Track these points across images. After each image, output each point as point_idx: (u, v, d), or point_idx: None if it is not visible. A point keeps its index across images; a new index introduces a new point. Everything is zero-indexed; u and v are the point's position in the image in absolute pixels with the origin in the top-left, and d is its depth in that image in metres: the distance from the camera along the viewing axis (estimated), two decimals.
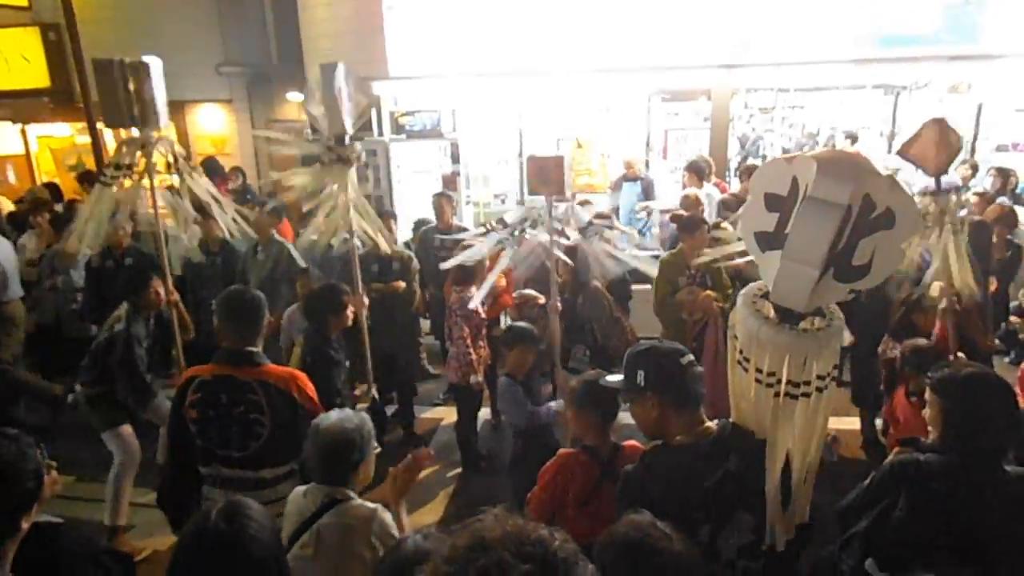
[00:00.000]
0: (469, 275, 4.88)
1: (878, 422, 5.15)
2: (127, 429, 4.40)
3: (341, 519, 2.35)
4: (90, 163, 9.44)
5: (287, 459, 2.92)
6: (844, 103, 9.84)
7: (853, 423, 5.40)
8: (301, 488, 2.50)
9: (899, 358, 3.97)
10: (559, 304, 4.35)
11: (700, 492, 1.93)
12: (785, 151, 9.64)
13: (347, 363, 4.39)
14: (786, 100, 10.36)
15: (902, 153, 3.57)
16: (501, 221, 4.28)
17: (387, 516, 2.38)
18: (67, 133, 12.90)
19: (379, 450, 2.55)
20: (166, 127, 4.17)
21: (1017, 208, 6.56)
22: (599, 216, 4.97)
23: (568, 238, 4.19)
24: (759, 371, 1.91)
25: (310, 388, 2.96)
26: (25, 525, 1.66)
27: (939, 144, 3.36)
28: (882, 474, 2.63)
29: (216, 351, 2.98)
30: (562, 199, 4.11)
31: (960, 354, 3.71)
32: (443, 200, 6.44)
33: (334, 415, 2.48)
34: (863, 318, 4.86)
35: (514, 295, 5.06)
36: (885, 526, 2.61)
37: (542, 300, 4.73)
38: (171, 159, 4.21)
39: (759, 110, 10.56)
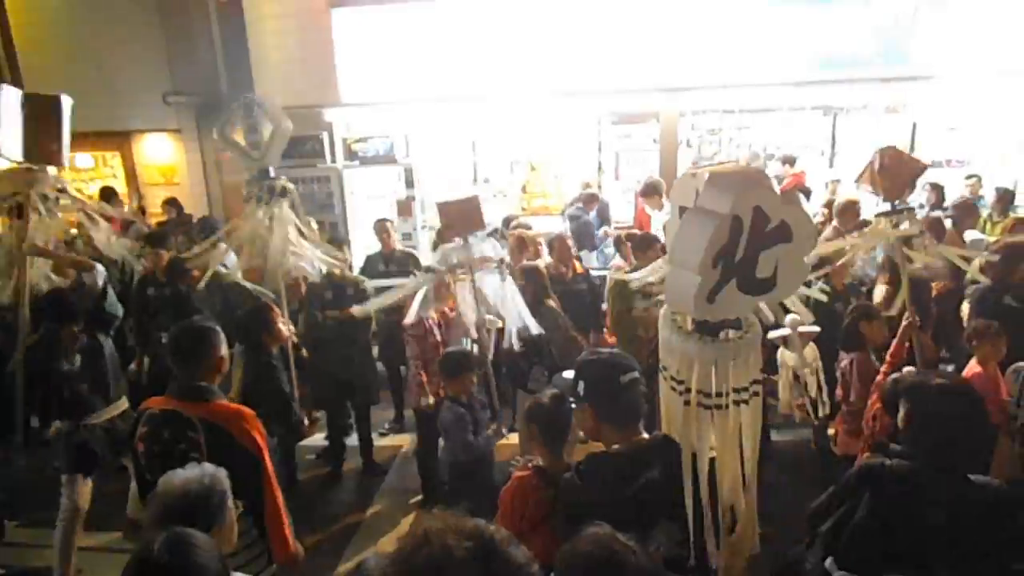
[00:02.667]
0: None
1: (831, 431, 5.28)
2: (85, 482, 4.22)
3: None
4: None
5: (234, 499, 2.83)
6: (786, 124, 10.18)
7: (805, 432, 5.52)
8: None
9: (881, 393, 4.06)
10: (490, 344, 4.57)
11: (624, 499, 1.95)
12: None
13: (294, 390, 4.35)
14: (733, 122, 10.69)
15: (859, 181, 3.76)
16: (428, 269, 4.50)
17: None
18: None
19: (240, 509, 2.35)
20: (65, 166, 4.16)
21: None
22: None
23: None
24: (673, 379, 1.96)
25: (256, 429, 2.85)
26: None
27: (895, 170, 3.53)
28: (849, 477, 2.69)
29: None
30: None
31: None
32: (384, 225, 6.52)
33: (179, 475, 2.19)
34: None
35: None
36: (846, 526, 2.66)
37: (500, 324, 4.76)
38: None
39: (707, 132, 10.87)
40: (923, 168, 3.64)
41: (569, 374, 2.38)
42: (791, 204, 1.77)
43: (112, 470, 4.40)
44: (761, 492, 4.49)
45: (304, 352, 5.24)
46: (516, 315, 4.55)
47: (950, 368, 5.74)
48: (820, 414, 4.38)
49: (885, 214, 3.68)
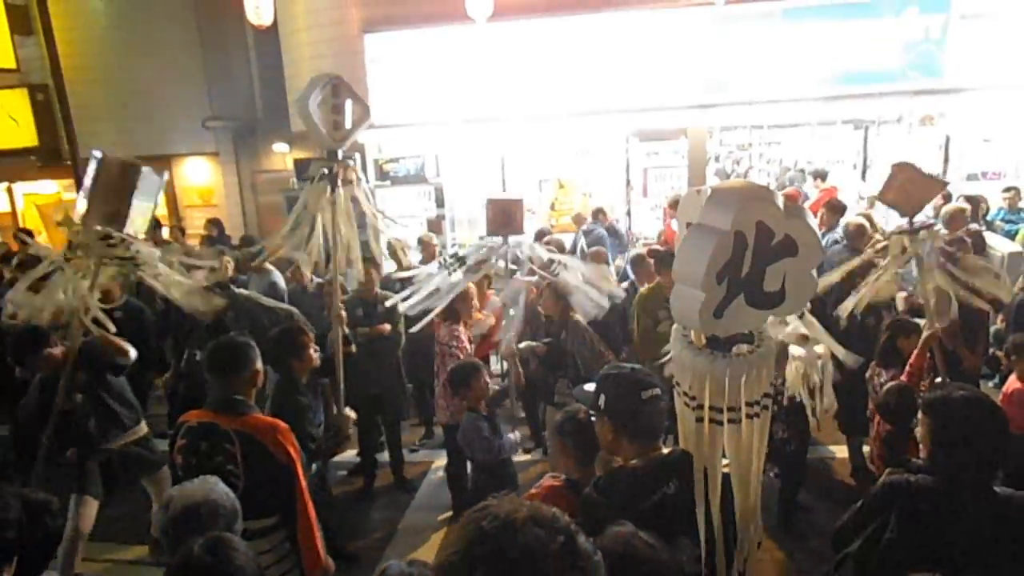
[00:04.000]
0: (454, 311, 4.95)
1: (865, 448, 5.20)
2: (91, 502, 4.18)
3: None
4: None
5: (268, 512, 2.89)
6: (816, 138, 10.11)
7: (842, 451, 5.43)
8: None
9: (878, 403, 4.02)
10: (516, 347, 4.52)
11: (641, 513, 1.95)
12: None
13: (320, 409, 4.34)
14: (761, 137, 10.65)
15: (880, 199, 3.73)
16: (457, 258, 4.39)
17: None
18: (54, 190, 12.99)
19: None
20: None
21: (987, 234, 6.72)
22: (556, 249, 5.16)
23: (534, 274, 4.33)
24: (686, 395, 1.96)
25: (290, 442, 2.91)
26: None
27: (911, 187, 3.51)
28: (873, 495, 2.65)
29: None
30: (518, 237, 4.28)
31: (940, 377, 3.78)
32: (397, 243, 6.47)
33: (195, 483, 2.25)
34: (842, 342, 4.93)
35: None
36: (876, 547, 2.62)
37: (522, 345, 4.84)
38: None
39: (736, 147, 10.85)
40: (942, 186, 3.60)
41: (590, 387, 2.41)
42: (795, 218, 1.78)
43: (127, 491, 4.46)
44: (792, 511, 4.45)
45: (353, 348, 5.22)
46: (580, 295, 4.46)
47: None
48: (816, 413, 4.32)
49: (903, 232, 3.65)
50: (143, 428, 4.47)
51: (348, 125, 4.03)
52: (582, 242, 7.88)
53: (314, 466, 4.44)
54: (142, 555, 4.63)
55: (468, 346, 5.07)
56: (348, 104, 4.03)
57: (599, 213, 8.51)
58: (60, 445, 4.06)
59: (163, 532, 2.15)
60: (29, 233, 9.30)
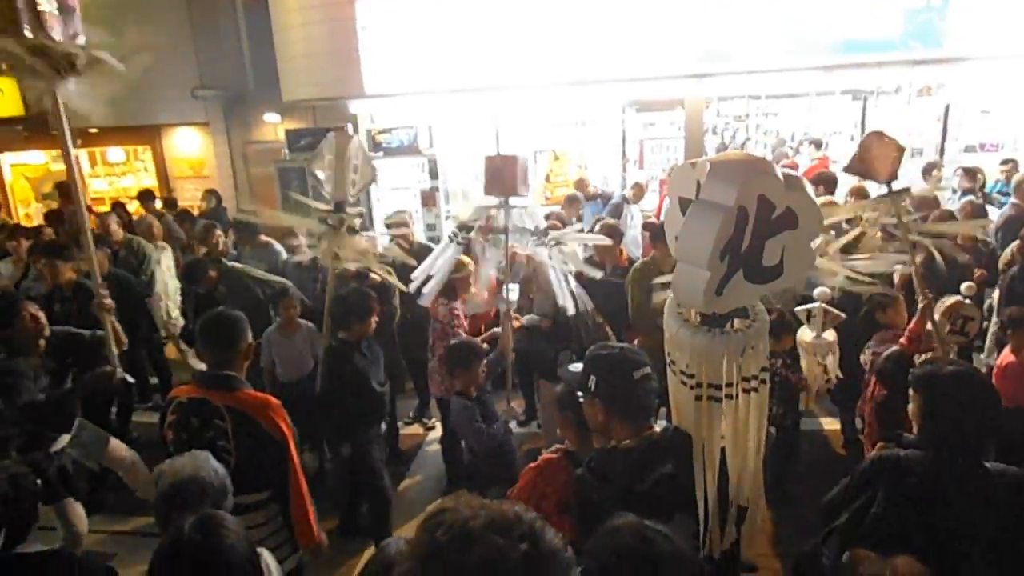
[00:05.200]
0: (453, 289, 4.91)
1: (859, 422, 5.24)
2: (72, 504, 3.89)
3: None
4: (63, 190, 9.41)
5: (260, 487, 2.89)
6: (814, 109, 10.02)
7: (834, 423, 5.47)
8: None
9: (871, 365, 4.03)
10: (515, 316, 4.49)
11: (638, 494, 1.95)
12: None
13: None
14: (759, 107, 10.54)
15: (849, 170, 3.72)
16: (465, 227, 4.37)
17: (269, 559, 2.21)
18: (41, 160, 12.81)
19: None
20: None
21: (987, 207, 6.71)
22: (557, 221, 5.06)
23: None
24: (683, 373, 1.94)
25: (282, 418, 2.90)
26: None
27: (880, 153, 3.49)
28: (863, 469, 2.66)
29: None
30: (517, 200, 4.21)
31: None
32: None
33: (184, 458, 2.26)
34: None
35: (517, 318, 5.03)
36: (862, 520, 2.64)
37: (518, 323, 4.77)
38: None
39: (733, 118, 10.74)
40: (900, 149, 3.59)
41: (577, 367, 2.39)
42: (796, 190, 1.74)
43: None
44: (786, 484, 4.48)
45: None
46: (553, 290, 4.37)
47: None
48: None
49: (883, 197, 3.64)
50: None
51: (358, 182, 4.36)
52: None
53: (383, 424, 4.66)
54: (142, 526, 4.65)
55: (464, 322, 5.03)
56: (361, 162, 4.31)
57: (581, 184, 8.38)
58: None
59: (154, 507, 2.14)
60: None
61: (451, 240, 4.40)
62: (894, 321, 4.23)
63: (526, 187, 4.25)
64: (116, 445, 4.32)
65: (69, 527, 3.92)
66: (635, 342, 4.66)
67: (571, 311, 4.37)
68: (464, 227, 4.39)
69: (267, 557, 2.12)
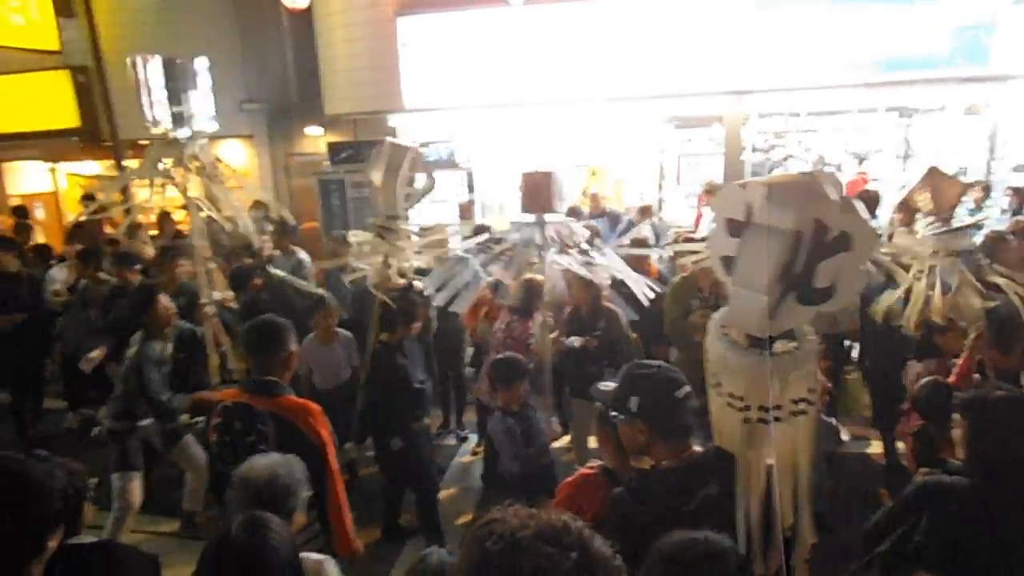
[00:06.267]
0: (527, 309, 4.93)
1: (900, 445, 5.11)
2: (135, 476, 4.31)
3: None
4: (116, 198, 9.69)
5: None
6: (857, 127, 9.85)
7: (876, 447, 5.34)
8: None
9: (911, 396, 3.94)
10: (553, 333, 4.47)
11: (681, 516, 1.92)
12: None
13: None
14: (799, 125, 10.40)
15: (907, 204, 3.71)
16: (493, 240, 4.45)
17: (333, 568, 2.27)
18: (96, 170, 13.28)
19: (310, 494, 2.45)
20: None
21: None
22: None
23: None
24: (730, 395, 1.92)
25: (322, 423, 2.97)
26: (52, 545, 1.71)
27: (942, 188, 3.47)
28: (906, 495, 2.60)
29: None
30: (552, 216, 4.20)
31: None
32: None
33: (262, 461, 2.32)
34: (879, 339, 4.84)
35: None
36: (906, 548, 2.58)
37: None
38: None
39: (773, 135, 10.61)
40: (963, 187, 3.59)
41: (607, 385, 2.37)
42: (851, 212, 1.74)
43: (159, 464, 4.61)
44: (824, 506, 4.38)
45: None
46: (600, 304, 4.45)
47: None
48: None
49: (939, 233, 3.61)
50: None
51: (414, 193, 4.44)
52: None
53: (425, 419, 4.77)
54: (174, 528, 4.74)
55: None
56: (420, 175, 4.44)
57: (594, 199, 8.39)
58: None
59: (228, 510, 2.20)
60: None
61: (479, 249, 4.45)
62: (952, 347, 4.12)
63: (562, 203, 4.25)
64: (191, 442, 4.55)
65: (124, 496, 4.23)
66: (673, 359, 4.62)
67: (646, 300, 4.38)
68: (494, 240, 4.46)
69: (328, 565, 2.17)
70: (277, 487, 2.20)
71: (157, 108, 4.41)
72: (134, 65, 4.33)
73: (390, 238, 4.29)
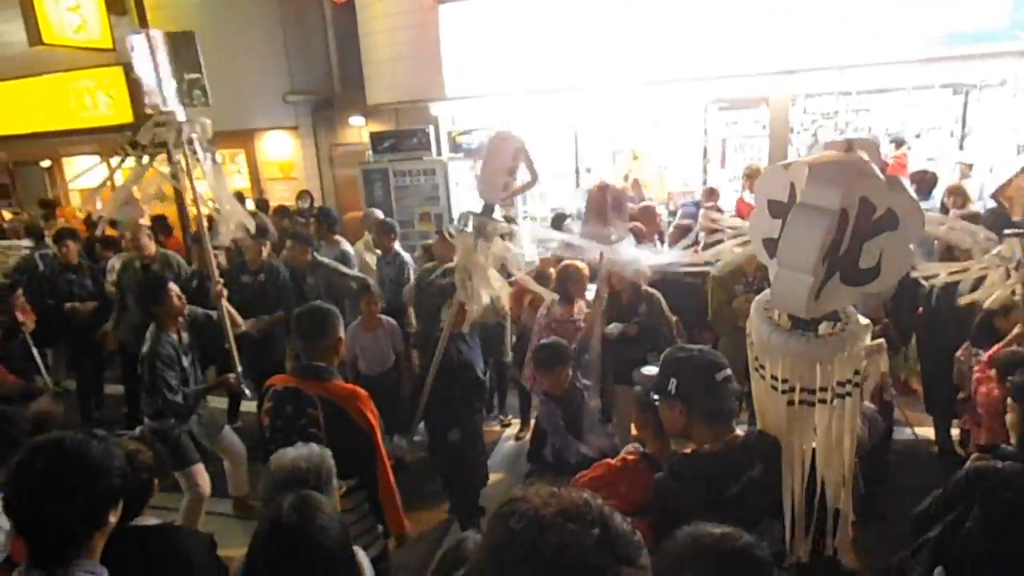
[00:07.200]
0: (568, 293, 4.87)
1: (955, 432, 4.97)
2: (198, 468, 4.37)
3: None
4: (168, 191, 9.96)
5: (348, 474, 2.93)
6: (910, 105, 9.51)
7: (928, 432, 5.21)
8: None
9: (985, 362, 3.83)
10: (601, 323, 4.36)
11: (725, 499, 1.93)
12: None
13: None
14: (849, 104, 10.09)
15: (994, 196, 3.57)
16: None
17: (364, 559, 2.29)
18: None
19: (344, 489, 2.45)
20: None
21: None
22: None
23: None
24: (774, 378, 1.91)
25: (370, 408, 3.02)
26: (112, 519, 1.79)
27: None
28: (958, 480, 2.56)
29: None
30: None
31: None
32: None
33: (290, 452, 2.34)
34: (933, 323, 4.72)
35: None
36: (955, 535, 2.53)
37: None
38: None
39: (821, 116, 10.32)
40: None
41: (649, 370, 2.37)
42: (897, 190, 1.70)
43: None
44: (874, 493, 4.32)
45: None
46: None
47: None
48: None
49: (1016, 234, 3.48)
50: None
51: (514, 185, 4.08)
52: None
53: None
54: (224, 509, 4.89)
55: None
56: (521, 168, 4.05)
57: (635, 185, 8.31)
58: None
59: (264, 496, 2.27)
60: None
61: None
62: (1010, 327, 4.00)
63: (623, 222, 4.09)
64: (229, 432, 4.70)
65: (193, 488, 4.35)
66: (717, 343, 4.57)
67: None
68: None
69: (361, 556, 2.21)
70: (303, 476, 2.23)
71: (165, 86, 4.56)
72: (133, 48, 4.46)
73: (490, 230, 3.95)
